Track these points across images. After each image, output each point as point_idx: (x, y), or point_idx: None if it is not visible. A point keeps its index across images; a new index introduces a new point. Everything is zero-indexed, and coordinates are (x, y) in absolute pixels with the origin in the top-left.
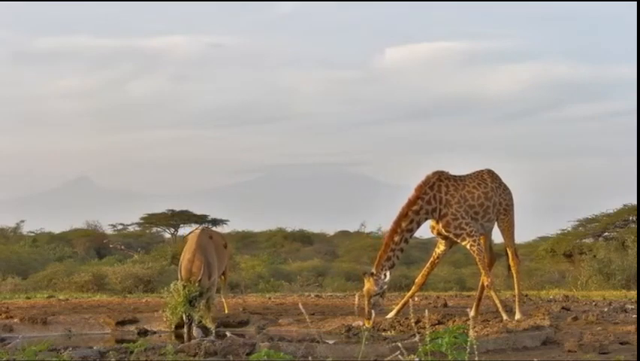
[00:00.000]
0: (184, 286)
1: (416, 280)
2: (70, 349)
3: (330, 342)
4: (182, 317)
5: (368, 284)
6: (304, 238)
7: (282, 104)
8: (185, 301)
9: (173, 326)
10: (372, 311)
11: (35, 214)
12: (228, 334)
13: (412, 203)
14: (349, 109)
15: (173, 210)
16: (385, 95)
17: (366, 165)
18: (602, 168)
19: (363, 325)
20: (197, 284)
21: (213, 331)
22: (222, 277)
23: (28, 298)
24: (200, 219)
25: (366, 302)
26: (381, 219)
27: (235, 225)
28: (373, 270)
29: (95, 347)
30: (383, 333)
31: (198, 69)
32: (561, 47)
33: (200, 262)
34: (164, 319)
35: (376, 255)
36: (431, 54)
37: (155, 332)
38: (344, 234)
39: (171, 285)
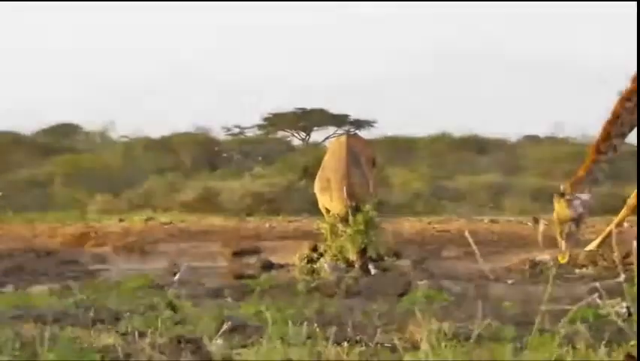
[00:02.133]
0: (355, 210)
1: (627, 201)
2: (177, 285)
3: (509, 281)
4: (361, 250)
5: (559, 207)
6: (477, 146)
7: None
8: (366, 229)
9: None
10: (565, 243)
11: (128, 113)
12: (372, 269)
13: (626, 98)
14: None
15: (303, 109)
16: None
17: None
18: None
19: (553, 259)
20: (366, 205)
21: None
22: None
23: (122, 220)
24: (339, 120)
25: (557, 231)
26: (584, 119)
27: (384, 128)
28: (566, 187)
29: (206, 284)
30: (578, 271)
31: None
32: None
33: (361, 178)
34: (329, 254)
35: (575, 167)
36: None
37: (282, 266)
38: (531, 140)
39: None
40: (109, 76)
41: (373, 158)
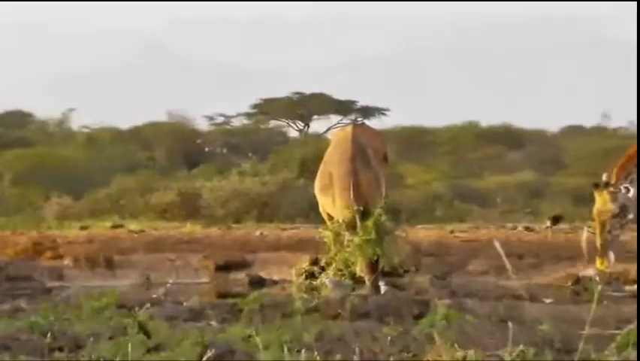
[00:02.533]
0: (363, 214)
1: None
2: (149, 305)
3: (547, 301)
4: (372, 264)
5: (601, 201)
6: (510, 138)
7: None
8: (378, 237)
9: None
10: (606, 245)
11: (91, 99)
12: (382, 286)
13: None
14: None
15: (300, 94)
16: None
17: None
18: None
19: (599, 275)
20: (377, 209)
21: (368, 282)
22: None
23: (84, 228)
24: (344, 107)
25: (597, 230)
26: (635, 107)
27: (398, 117)
28: (611, 176)
29: (185, 303)
30: (628, 288)
31: None
32: None
33: (368, 176)
34: (334, 268)
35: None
36: None
37: (275, 282)
38: (575, 131)
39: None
40: (68, 54)
41: (384, 152)
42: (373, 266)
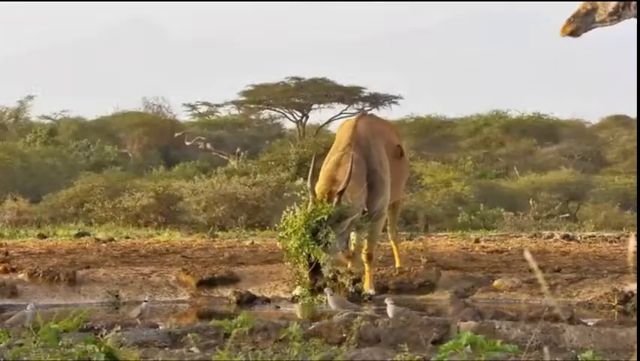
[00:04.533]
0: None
1: None
2: (118, 328)
3: (590, 323)
4: (309, 266)
5: None
6: (543, 130)
7: None
8: (309, 233)
9: (303, 287)
10: None
11: (53, 84)
12: (390, 305)
13: None
14: None
15: (298, 79)
16: None
17: None
18: None
19: None
20: (335, 203)
21: (372, 298)
22: (392, 215)
23: (43, 236)
24: (351, 93)
25: None
26: None
27: (414, 106)
28: None
29: (161, 326)
30: None
31: None
32: None
33: (351, 166)
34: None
35: None
36: None
37: (267, 300)
38: (619, 121)
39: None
40: (24, 32)
41: (399, 147)
42: (314, 269)
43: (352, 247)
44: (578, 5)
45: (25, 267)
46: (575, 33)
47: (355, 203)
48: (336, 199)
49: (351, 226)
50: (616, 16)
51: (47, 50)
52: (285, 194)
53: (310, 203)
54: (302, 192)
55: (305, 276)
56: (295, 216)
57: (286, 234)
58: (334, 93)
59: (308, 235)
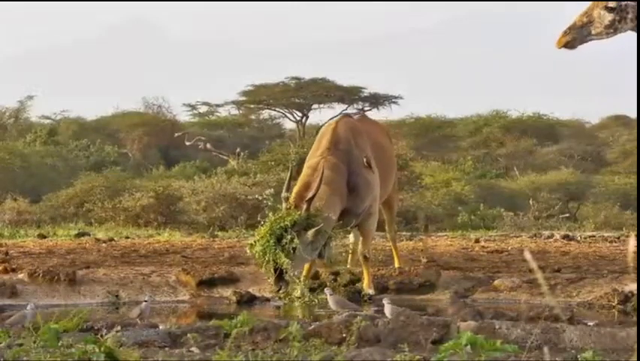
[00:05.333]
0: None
1: None
2: (118, 329)
3: (590, 323)
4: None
5: None
6: (543, 130)
7: None
8: (273, 239)
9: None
10: None
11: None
12: (387, 304)
13: None
14: None
15: (298, 79)
16: None
17: None
18: None
19: None
20: (303, 210)
21: (372, 298)
22: (388, 213)
23: (43, 236)
24: (351, 93)
25: None
26: None
27: (414, 106)
28: None
29: (161, 326)
30: None
31: None
32: None
33: (322, 174)
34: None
35: None
36: None
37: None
38: (619, 121)
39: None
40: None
41: (389, 149)
42: (279, 273)
43: (330, 256)
44: (574, 17)
45: (25, 267)
46: (570, 45)
47: (325, 211)
48: (304, 206)
49: (320, 235)
50: (612, 29)
51: (47, 50)
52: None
53: (283, 210)
54: (266, 201)
55: (270, 282)
56: (263, 223)
57: (254, 241)
58: (334, 93)
59: (272, 241)
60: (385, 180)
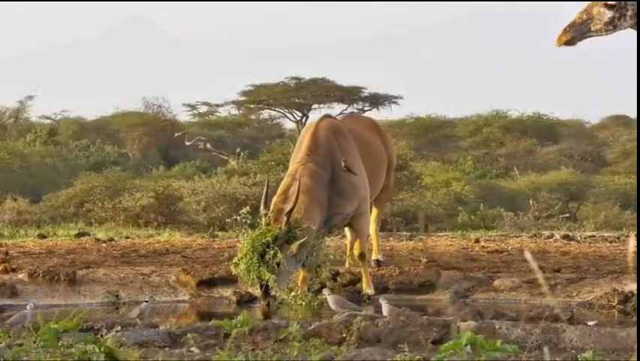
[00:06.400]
0: (262, 229)
1: None
2: (118, 329)
3: (590, 323)
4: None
5: None
6: (543, 131)
7: None
8: (256, 256)
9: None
10: None
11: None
12: (384, 304)
13: None
14: None
15: (298, 79)
16: None
17: None
18: None
19: None
20: (283, 224)
21: (371, 298)
22: (376, 207)
23: (43, 236)
24: (351, 93)
25: None
26: None
27: (414, 106)
28: None
29: (161, 326)
30: None
31: None
32: None
33: (299, 185)
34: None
35: None
36: None
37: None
38: (619, 121)
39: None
40: (24, 33)
41: (381, 148)
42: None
43: (313, 264)
44: (573, 15)
45: (25, 267)
46: (570, 42)
47: (304, 222)
48: (284, 219)
49: (303, 247)
50: (612, 26)
51: (47, 50)
52: None
53: (262, 226)
54: (245, 219)
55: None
56: (244, 241)
57: (237, 259)
58: (334, 93)
59: (255, 258)
60: (375, 177)
